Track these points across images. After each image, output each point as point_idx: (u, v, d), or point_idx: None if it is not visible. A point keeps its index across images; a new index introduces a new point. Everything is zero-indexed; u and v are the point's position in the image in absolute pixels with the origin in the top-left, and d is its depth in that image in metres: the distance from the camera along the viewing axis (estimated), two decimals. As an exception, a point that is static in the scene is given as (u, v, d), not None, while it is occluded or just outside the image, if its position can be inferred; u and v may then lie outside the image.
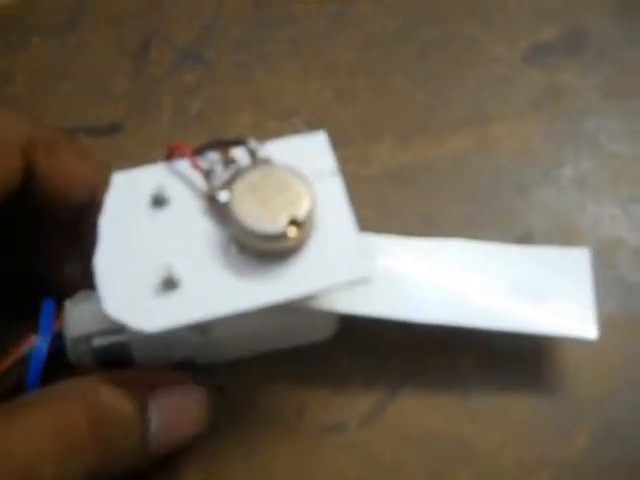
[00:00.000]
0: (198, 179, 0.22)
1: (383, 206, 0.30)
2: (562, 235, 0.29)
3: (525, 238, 0.29)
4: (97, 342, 0.22)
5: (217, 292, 0.20)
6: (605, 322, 0.24)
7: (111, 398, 0.21)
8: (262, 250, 0.20)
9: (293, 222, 0.20)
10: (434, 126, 0.32)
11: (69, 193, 0.23)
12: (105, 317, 0.20)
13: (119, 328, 0.22)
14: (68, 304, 0.23)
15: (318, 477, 0.24)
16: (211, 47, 0.34)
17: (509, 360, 0.26)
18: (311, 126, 0.32)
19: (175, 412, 0.22)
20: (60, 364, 0.22)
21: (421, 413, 0.25)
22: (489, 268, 0.25)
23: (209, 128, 0.32)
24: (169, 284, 0.20)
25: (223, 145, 0.22)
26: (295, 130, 0.32)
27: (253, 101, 0.33)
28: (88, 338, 0.23)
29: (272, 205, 0.20)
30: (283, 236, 0.20)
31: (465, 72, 0.33)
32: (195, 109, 0.33)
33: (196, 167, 0.22)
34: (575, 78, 0.33)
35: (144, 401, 0.21)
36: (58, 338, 0.23)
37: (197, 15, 0.35)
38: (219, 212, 0.21)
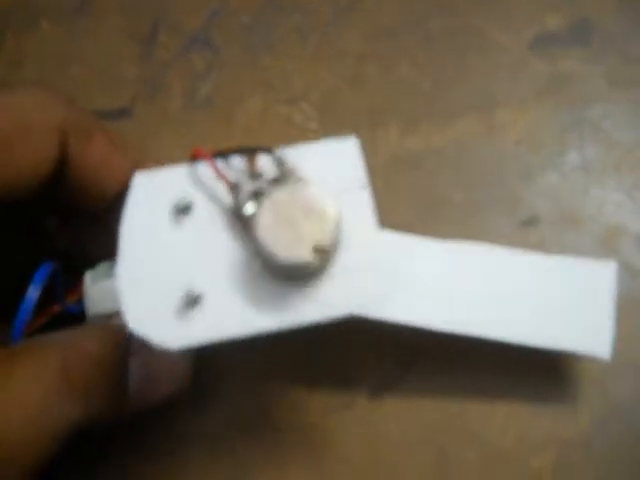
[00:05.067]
0: (222, 188, 0.21)
1: (390, 191, 0.30)
2: (566, 221, 0.29)
3: (530, 223, 0.29)
4: (117, 322, 0.23)
5: (238, 312, 0.20)
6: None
7: (92, 348, 0.21)
8: (284, 273, 0.20)
9: (317, 249, 0.20)
10: (440, 113, 0.32)
11: (101, 184, 0.23)
12: None
13: None
14: (89, 277, 0.24)
15: (328, 452, 0.25)
16: (220, 32, 0.34)
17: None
18: (320, 112, 0.32)
19: (156, 368, 0.22)
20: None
21: (428, 392, 0.25)
22: (511, 276, 0.25)
23: (218, 113, 0.32)
24: (191, 301, 0.20)
25: (248, 152, 0.22)
26: (304, 115, 0.32)
27: (262, 86, 0.33)
28: (108, 316, 0.23)
29: (296, 229, 0.20)
30: (306, 264, 0.20)
31: (471, 60, 0.34)
32: (204, 94, 0.33)
33: (221, 177, 0.21)
34: (580, 66, 0.33)
35: (125, 353, 0.22)
36: (79, 304, 0.23)
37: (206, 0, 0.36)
38: (243, 227, 0.21)
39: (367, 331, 0.26)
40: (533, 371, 0.26)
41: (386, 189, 0.30)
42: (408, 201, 0.30)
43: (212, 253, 0.21)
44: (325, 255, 0.20)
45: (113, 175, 0.23)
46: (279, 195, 0.20)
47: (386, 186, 0.30)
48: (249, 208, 0.21)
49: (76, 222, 0.25)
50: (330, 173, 0.21)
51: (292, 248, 0.19)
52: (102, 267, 0.24)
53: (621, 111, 0.32)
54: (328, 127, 0.32)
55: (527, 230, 0.29)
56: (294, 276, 0.20)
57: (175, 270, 0.20)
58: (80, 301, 0.23)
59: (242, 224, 0.21)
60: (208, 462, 0.25)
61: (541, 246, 0.29)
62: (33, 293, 0.22)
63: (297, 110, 0.32)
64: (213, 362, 0.26)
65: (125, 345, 0.22)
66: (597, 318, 0.24)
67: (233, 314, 0.20)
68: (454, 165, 0.31)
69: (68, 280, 0.24)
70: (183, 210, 0.21)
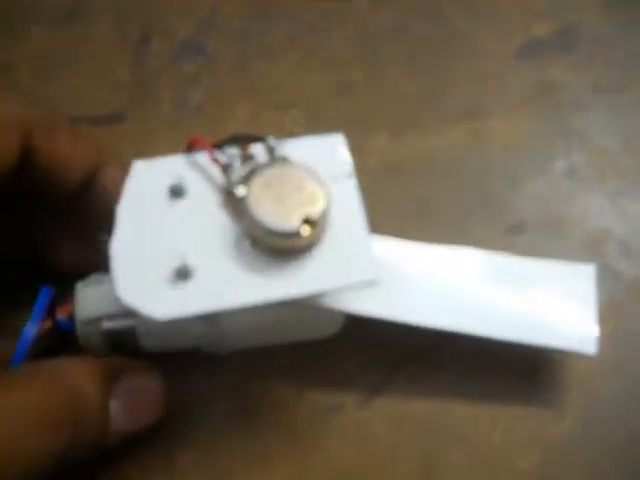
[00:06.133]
0: (216, 173, 0.22)
1: (378, 196, 0.30)
2: (552, 226, 0.30)
3: (516, 228, 0.30)
4: (106, 325, 0.23)
5: (228, 285, 0.20)
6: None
7: (77, 383, 0.21)
8: (275, 247, 0.21)
9: (307, 221, 0.20)
10: (428, 119, 0.33)
11: (66, 174, 0.23)
12: (115, 301, 0.20)
13: (128, 312, 0.22)
14: (80, 286, 0.24)
15: (316, 455, 0.25)
16: (211, 38, 0.35)
17: (501, 343, 0.27)
18: (309, 118, 0.32)
19: (135, 398, 0.23)
20: (71, 345, 0.23)
21: (416, 395, 0.26)
22: (496, 278, 0.25)
23: (209, 119, 0.33)
24: (182, 274, 0.20)
25: (242, 141, 0.22)
26: (294, 121, 0.32)
27: (252, 92, 0.33)
28: (98, 320, 0.23)
29: (287, 203, 0.20)
30: (296, 234, 0.20)
31: (459, 67, 0.34)
32: (195, 100, 0.33)
33: (215, 161, 0.22)
34: (566, 74, 0.33)
35: (109, 387, 0.22)
36: (70, 320, 0.23)
37: (197, 6, 0.36)
38: (235, 206, 0.21)
39: (356, 334, 0.26)
40: (518, 374, 0.26)
41: (374, 195, 0.30)
42: (396, 207, 0.30)
43: (205, 231, 0.21)
44: (314, 228, 0.20)
45: (77, 162, 0.23)
46: (270, 172, 0.21)
47: (374, 192, 0.30)
48: (241, 187, 0.21)
49: (46, 216, 0.26)
50: (318, 163, 0.22)
51: (283, 218, 0.20)
52: (93, 278, 0.24)
53: (606, 118, 0.32)
54: (317, 133, 0.32)
55: (514, 235, 0.29)
56: (282, 252, 0.21)
57: (168, 245, 0.21)
58: (71, 317, 0.23)
59: (233, 203, 0.21)
60: (196, 465, 0.25)
61: (527, 250, 0.29)
62: (31, 329, 0.22)
63: (287, 116, 0.32)
64: (202, 365, 0.26)
65: (110, 378, 0.22)
66: (581, 316, 0.25)
67: (222, 287, 0.20)
68: (442, 171, 0.31)
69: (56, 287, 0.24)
70: (178, 193, 0.22)
